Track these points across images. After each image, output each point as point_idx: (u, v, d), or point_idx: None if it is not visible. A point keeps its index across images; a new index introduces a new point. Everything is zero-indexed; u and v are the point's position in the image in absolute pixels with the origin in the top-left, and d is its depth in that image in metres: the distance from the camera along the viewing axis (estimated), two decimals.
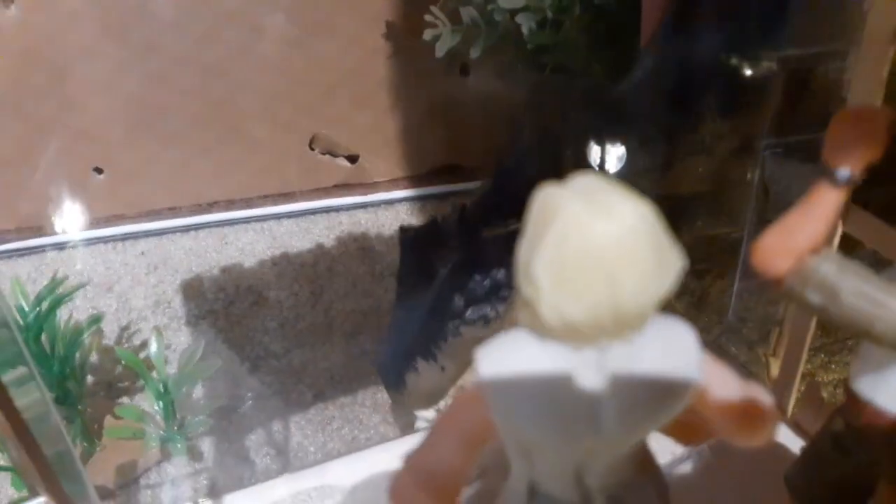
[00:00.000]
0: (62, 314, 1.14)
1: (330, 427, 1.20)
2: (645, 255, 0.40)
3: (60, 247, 1.55)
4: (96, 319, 1.13)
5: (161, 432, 1.10)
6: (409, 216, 1.64)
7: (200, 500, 0.85)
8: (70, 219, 1.55)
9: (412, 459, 0.49)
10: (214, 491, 1.03)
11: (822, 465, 0.65)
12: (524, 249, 0.42)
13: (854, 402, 0.58)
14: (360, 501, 0.96)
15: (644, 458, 0.53)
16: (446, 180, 1.66)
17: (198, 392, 1.24)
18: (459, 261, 1.07)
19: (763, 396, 0.49)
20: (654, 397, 0.45)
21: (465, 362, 1.08)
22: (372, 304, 1.44)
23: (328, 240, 1.60)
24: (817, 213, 0.53)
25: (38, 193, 1.53)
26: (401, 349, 1.10)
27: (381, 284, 1.48)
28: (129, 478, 1.11)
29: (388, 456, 1.05)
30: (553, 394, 0.43)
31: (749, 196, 1.17)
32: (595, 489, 0.49)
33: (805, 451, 0.68)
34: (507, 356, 0.44)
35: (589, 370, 0.43)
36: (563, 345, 0.43)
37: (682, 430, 0.59)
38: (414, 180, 1.68)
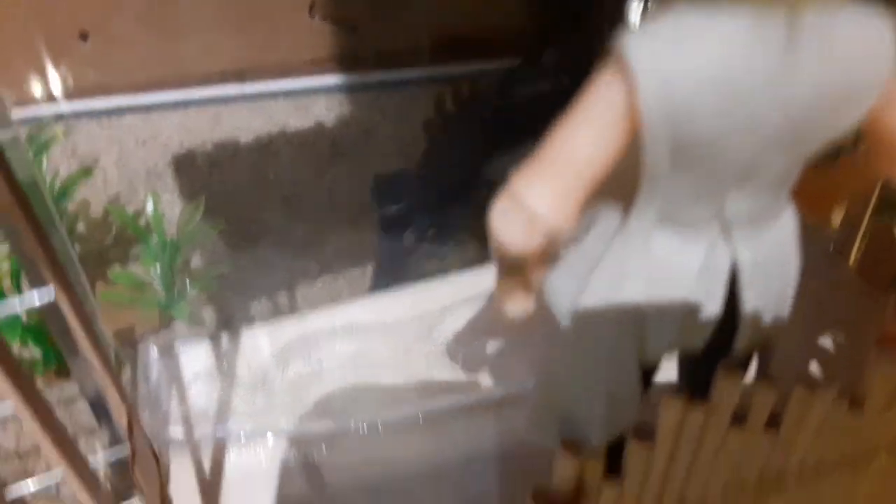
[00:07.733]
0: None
1: (340, 300, 1.13)
2: None
3: (40, 119, 1.43)
4: (86, 172, 1.03)
5: (159, 299, 1.03)
6: (414, 100, 1.54)
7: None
8: (51, 88, 1.44)
9: (528, 163, 0.41)
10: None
11: None
12: None
13: None
14: (375, 340, 0.91)
15: (787, 211, 0.47)
16: (454, 58, 1.55)
17: (196, 262, 1.16)
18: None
19: None
20: (844, 83, 0.38)
21: None
22: None
23: (328, 119, 1.50)
24: None
25: (17, 58, 1.40)
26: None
27: (387, 165, 1.39)
28: (124, 345, 1.03)
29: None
30: (732, 68, 0.36)
31: None
32: (736, 221, 0.43)
33: None
34: (667, 32, 0.36)
35: (776, 40, 0.36)
36: (745, 9, 0.35)
37: (814, 197, 0.53)
38: (419, 55, 1.56)
